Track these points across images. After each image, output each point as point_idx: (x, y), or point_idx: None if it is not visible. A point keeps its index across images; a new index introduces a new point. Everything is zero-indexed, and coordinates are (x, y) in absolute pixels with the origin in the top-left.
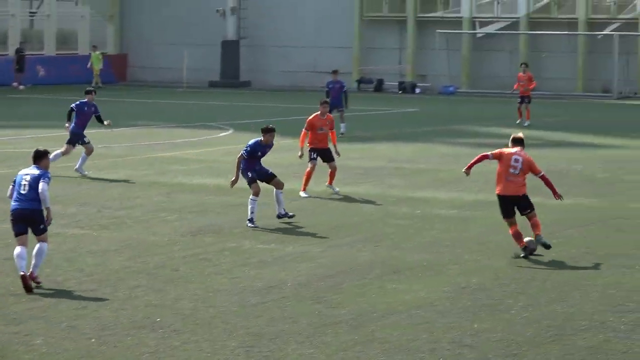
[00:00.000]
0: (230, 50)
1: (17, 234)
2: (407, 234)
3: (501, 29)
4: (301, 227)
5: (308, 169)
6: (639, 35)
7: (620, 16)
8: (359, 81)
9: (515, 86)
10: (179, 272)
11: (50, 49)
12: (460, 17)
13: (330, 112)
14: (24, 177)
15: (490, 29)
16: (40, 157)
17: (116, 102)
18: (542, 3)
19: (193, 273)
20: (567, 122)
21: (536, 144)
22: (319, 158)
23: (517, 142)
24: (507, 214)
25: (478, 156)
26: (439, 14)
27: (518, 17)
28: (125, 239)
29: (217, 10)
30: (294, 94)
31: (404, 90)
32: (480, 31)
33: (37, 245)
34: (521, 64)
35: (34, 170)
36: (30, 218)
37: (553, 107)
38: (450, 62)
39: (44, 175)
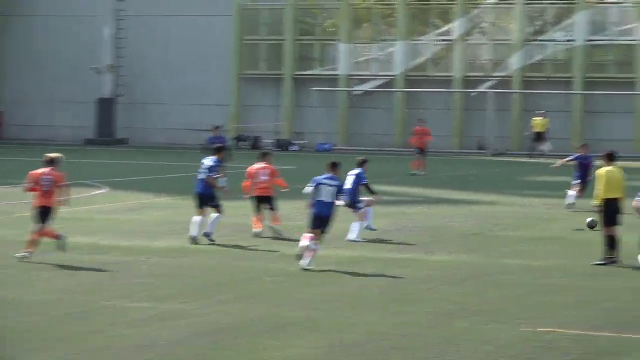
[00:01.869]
0: (106, 107)
1: None
2: (284, 291)
3: (378, 86)
4: (177, 285)
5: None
6: (512, 92)
7: (495, 74)
8: (236, 138)
9: (412, 140)
10: (52, 332)
11: None
12: (337, 75)
13: None
14: None
15: (366, 86)
16: None
17: None
18: (418, 61)
19: (66, 332)
20: (444, 178)
21: (414, 200)
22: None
23: (48, 162)
24: None
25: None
26: (315, 71)
27: (394, 75)
28: None
29: (92, 68)
30: (171, 151)
31: (281, 148)
32: (357, 89)
33: None
34: (418, 119)
35: None
36: None
37: (430, 164)
38: (326, 120)
39: None
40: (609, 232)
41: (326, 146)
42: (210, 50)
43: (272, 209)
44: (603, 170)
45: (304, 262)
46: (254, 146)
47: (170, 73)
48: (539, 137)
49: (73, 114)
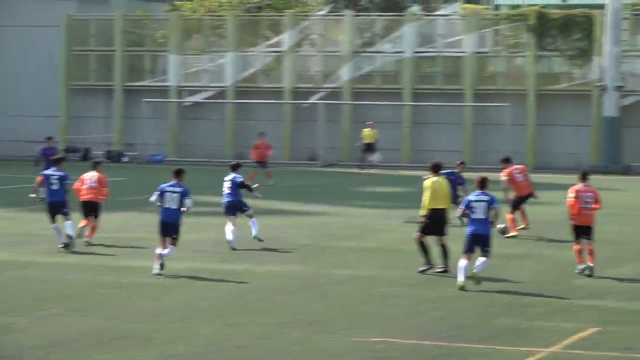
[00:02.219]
0: None
1: None
2: (115, 303)
3: (208, 97)
4: (6, 299)
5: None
6: (342, 103)
7: (326, 85)
8: (66, 150)
9: (253, 153)
10: None
11: None
12: (168, 86)
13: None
14: None
15: (197, 97)
16: None
17: None
18: (248, 72)
19: None
20: (275, 189)
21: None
22: None
23: None
24: None
25: None
26: (146, 82)
27: (225, 86)
28: None
29: None
30: (2, 163)
31: (112, 159)
32: (187, 100)
33: None
34: (259, 133)
35: None
36: None
37: (261, 175)
38: (158, 131)
39: None
40: (441, 241)
41: (158, 157)
42: (41, 61)
43: (95, 217)
44: (429, 181)
45: (155, 269)
46: (85, 157)
47: (1, 84)
48: (369, 148)
49: None
